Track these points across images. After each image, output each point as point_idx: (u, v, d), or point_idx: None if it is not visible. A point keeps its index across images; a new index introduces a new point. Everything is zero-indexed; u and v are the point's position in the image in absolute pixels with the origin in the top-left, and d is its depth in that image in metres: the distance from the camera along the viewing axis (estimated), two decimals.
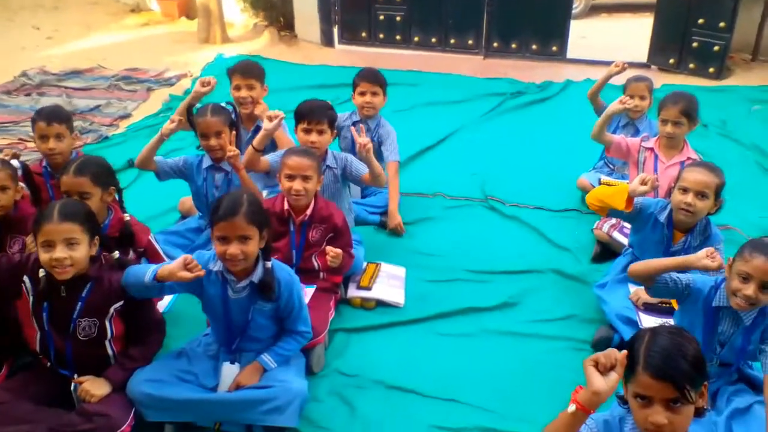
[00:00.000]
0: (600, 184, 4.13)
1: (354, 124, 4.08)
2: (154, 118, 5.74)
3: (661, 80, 6.40)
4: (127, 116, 5.85)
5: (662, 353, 1.63)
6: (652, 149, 3.70)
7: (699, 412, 1.71)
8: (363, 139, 3.26)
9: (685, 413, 1.65)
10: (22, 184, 3.00)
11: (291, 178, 2.98)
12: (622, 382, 1.75)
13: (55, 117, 3.19)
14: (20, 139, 5.24)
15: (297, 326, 2.63)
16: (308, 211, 3.07)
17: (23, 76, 6.60)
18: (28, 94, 6.21)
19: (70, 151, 3.28)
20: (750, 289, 2.33)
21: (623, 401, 1.83)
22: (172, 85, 6.64)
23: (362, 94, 4.03)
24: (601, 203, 3.06)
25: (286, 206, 3.06)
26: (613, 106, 3.62)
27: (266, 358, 2.57)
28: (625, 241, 3.51)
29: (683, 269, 2.57)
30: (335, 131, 3.50)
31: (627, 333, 2.93)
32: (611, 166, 4.36)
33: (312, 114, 3.35)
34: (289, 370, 2.59)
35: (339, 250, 2.97)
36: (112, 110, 5.93)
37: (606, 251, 3.67)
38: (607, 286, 3.21)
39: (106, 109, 5.95)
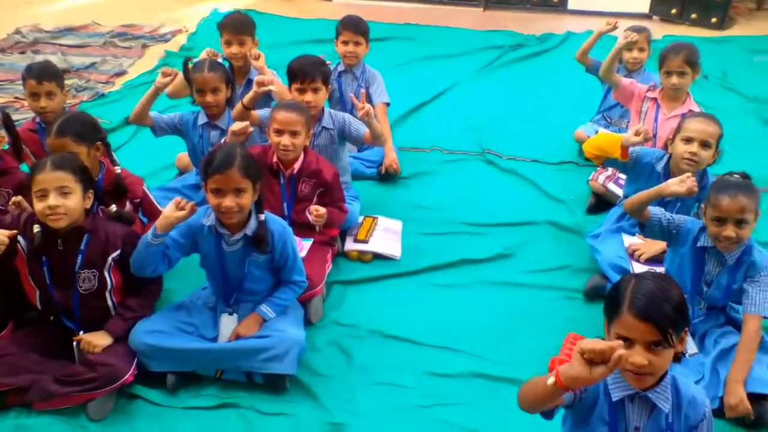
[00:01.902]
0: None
1: (339, 75, 4.07)
2: (151, 74, 5.69)
3: (662, 31, 6.31)
4: (122, 73, 5.80)
5: (647, 296, 1.66)
6: (655, 99, 3.69)
7: (677, 357, 1.75)
8: (364, 105, 3.19)
9: (665, 356, 1.68)
10: (3, 133, 2.97)
11: (279, 132, 2.98)
12: (604, 324, 1.78)
13: (45, 74, 3.17)
14: (16, 97, 5.21)
15: (292, 276, 2.68)
16: (297, 165, 3.07)
17: (17, 34, 6.52)
18: (23, 52, 6.15)
19: (62, 109, 3.26)
20: (727, 230, 2.44)
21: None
22: (167, 41, 6.57)
23: (345, 43, 4.00)
24: (598, 151, 3.07)
25: (275, 159, 3.07)
26: (619, 41, 3.67)
27: (265, 308, 2.63)
28: (620, 192, 3.53)
29: (660, 197, 2.66)
30: (329, 86, 3.48)
31: None
32: (609, 119, 4.34)
33: (305, 73, 3.30)
34: (287, 320, 2.64)
35: (323, 210, 2.97)
36: (108, 67, 5.88)
37: (601, 203, 3.70)
38: (600, 236, 3.25)
39: (102, 66, 5.90)
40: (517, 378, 2.57)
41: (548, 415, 1.79)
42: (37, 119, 3.29)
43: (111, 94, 5.36)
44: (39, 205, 2.31)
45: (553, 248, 3.43)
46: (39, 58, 5.93)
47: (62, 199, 2.31)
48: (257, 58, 3.66)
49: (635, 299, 1.66)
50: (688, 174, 2.62)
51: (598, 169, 3.75)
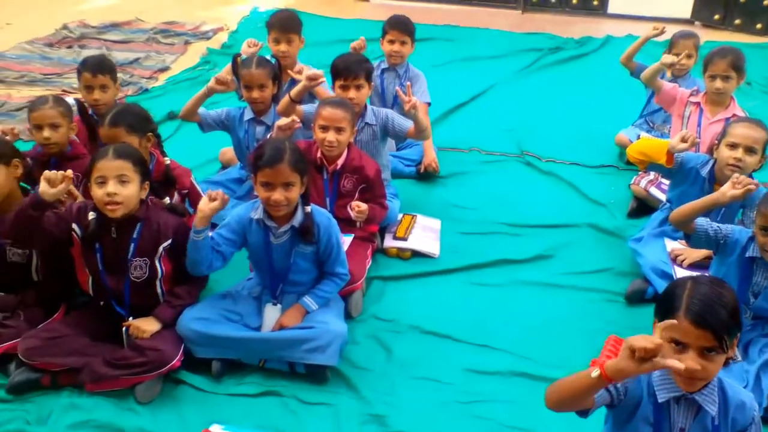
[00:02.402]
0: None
1: (382, 72, 4.10)
2: (193, 71, 5.81)
3: (704, 37, 6.18)
4: (165, 69, 5.93)
5: (704, 301, 1.63)
6: (698, 104, 3.66)
7: (726, 362, 1.74)
8: (411, 98, 3.20)
9: (717, 362, 1.66)
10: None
11: (325, 129, 3.02)
12: (654, 325, 1.78)
13: (100, 68, 3.27)
14: (63, 90, 5.35)
15: (335, 268, 2.72)
16: (340, 161, 3.11)
17: (64, 29, 6.69)
18: (70, 47, 6.32)
19: (114, 102, 3.36)
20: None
21: None
22: (208, 38, 6.70)
23: (391, 42, 4.04)
24: (642, 156, 3.05)
25: (319, 154, 3.12)
26: (666, 57, 3.66)
27: (308, 300, 2.67)
28: (662, 196, 3.51)
29: (718, 205, 2.63)
30: (372, 84, 3.52)
31: (661, 286, 2.95)
32: (651, 124, 4.31)
33: (349, 70, 3.34)
34: (330, 312, 2.68)
35: (365, 206, 3.00)
36: (151, 63, 6.01)
37: (642, 207, 3.67)
38: (643, 240, 3.23)
39: (145, 62, 6.03)
40: (557, 377, 2.55)
41: (584, 414, 1.80)
42: (90, 111, 3.38)
43: (154, 89, 5.48)
44: (98, 192, 2.38)
45: (594, 251, 3.42)
46: (85, 52, 6.10)
47: (120, 187, 2.38)
48: (300, 72, 3.65)
49: (692, 305, 1.64)
50: (737, 174, 2.58)
51: (640, 173, 3.74)
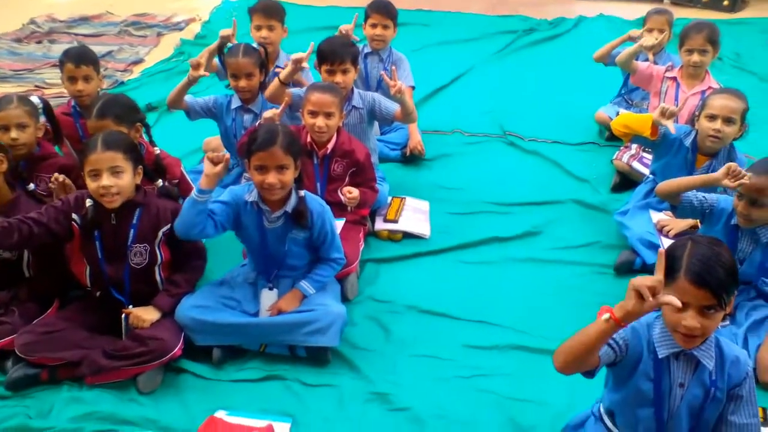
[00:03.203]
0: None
1: (366, 56, 4.11)
2: (168, 62, 5.74)
3: (674, 14, 6.32)
4: (139, 61, 5.85)
5: (703, 261, 1.69)
6: (674, 78, 3.74)
7: (723, 318, 1.81)
8: (396, 83, 3.20)
9: (716, 319, 1.73)
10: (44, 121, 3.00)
11: (314, 114, 3.02)
12: None
13: (83, 58, 3.21)
14: (36, 86, 5.25)
15: (331, 253, 2.73)
16: (330, 146, 3.11)
17: (32, 24, 6.55)
18: (39, 42, 6.19)
19: (97, 93, 3.31)
20: (740, 206, 2.52)
21: None
22: (181, 29, 6.62)
23: (373, 26, 4.04)
24: (626, 128, 3.11)
25: (309, 139, 3.11)
26: (645, 40, 3.75)
27: (305, 284, 2.68)
28: (644, 170, 3.58)
29: (707, 186, 2.68)
30: (358, 66, 3.52)
31: (649, 256, 3.03)
32: (630, 101, 4.38)
33: (335, 54, 3.33)
34: (327, 295, 2.70)
35: (356, 192, 3.02)
36: (125, 56, 5.93)
37: (625, 181, 3.74)
38: (628, 212, 3.30)
39: (119, 54, 5.94)
40: (553, 349, 2.61)
41: (590, 374, 1.85)
42: (72, 102, 3.33)
43: (130, 81, 5.41)
44: (92, 185, 2.36)
45: (580, 226, 3.48)
46: (55, 47, 6.00)
47: (115, 179, 2.36)
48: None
49: (691, 264, 1.69)
50: (733, 165, 2.57)
51: (622, 148, 3.81)
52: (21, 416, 2.32)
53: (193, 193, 2.46)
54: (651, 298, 1.58)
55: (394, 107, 3.42)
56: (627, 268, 3.09)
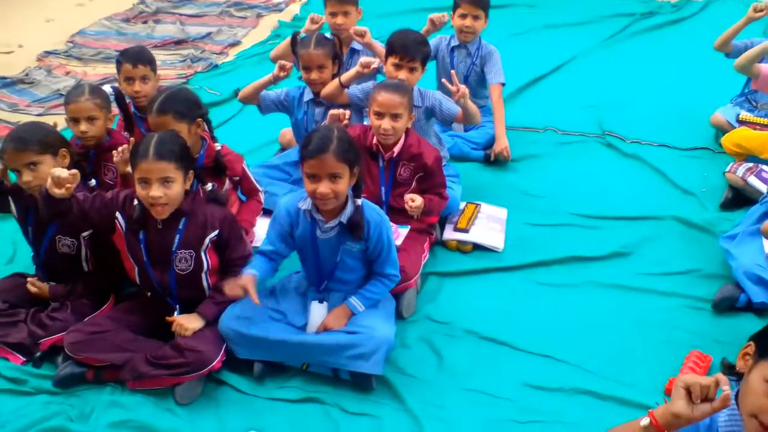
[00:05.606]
0: (738, 121, 3.65)
1: (452, 50, 3.83)
2: (262, 45, 5.72)
3: None
4: (237, 43, 5.87)
5: None
6: None
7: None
8: (459, 87, 3.00)
9: None
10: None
11: (380, 115, 2.82)
12: (749, 352, 1.53)
13: (139, 58, 3.18)
14: None
15: (385, 269, 2.55)
16: (397, 148, 2.91)
17: (141, 3, 6.76)
18: (145, 22, 6.38)
19: (154, 93, 3.28)
20: None
21: (731, 371, 1.58)
22: (281, 10, 6.58)
23: (462, 16, 3.76)
24: (739, 148, 2.67)
25: (375, 140, 2.93)
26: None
27: (354, 301, 2.52)
28: (762, 187, 3.10)
29: None
30: (425, 68, 3.28)
31: (756, 294, 2.62)
32: (754, 103, 3.83)
33: (406, 49, 3.12)
34: (378, 314, 2.52)
35: (420, 200, 2.82)
36: (223, 37, 5.98)
37: (738, 198, 3.27)
38: (737, 238, 2.86)
39: (217, 36, 6.00)
40: (627, 398, 2.31)
41: None
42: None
43: (224, 65, 5.43)
44: (142, 192, 2.31)
45: (679, 249, 3.08)
46: (159, 27, 6.15)
47: (165, 189, 2.30)
48: (363, 35, 3.48)
49: None
50: None
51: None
52: (63, 416, 2.34)
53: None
54: (704, 405, 1.31)
55: (456, 109, 3.19)
56: (728, 306, 2.68)
